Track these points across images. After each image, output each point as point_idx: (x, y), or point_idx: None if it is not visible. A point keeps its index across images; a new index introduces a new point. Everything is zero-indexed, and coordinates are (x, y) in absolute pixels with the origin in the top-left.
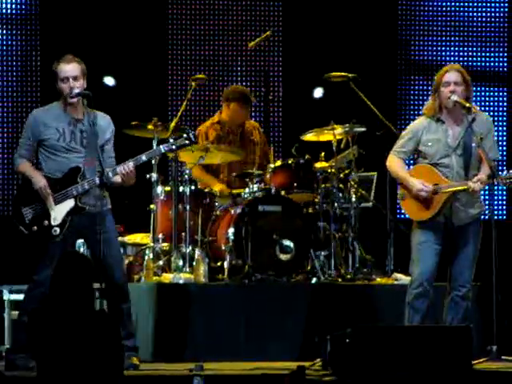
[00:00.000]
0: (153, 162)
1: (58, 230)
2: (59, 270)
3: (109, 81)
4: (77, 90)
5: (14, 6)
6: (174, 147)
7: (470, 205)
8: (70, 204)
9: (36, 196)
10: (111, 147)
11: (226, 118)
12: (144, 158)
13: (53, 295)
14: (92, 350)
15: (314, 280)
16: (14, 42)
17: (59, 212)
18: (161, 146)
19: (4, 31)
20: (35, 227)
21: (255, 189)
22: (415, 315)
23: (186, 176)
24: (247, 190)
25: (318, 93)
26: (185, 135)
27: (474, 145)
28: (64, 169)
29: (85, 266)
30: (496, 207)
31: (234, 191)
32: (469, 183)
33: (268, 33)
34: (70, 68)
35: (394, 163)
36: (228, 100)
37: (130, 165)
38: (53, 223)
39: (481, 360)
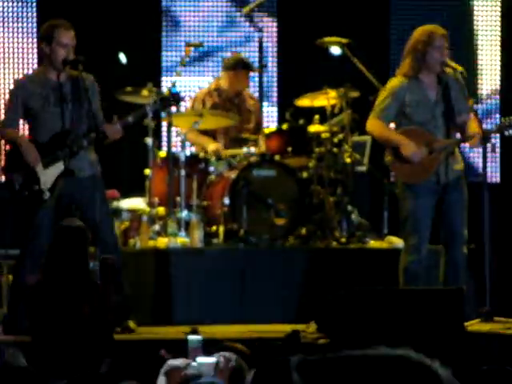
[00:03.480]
0: (148, 126)
1: (48, 193)
2: (55, 244)
3: (122, 58)
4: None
5: None
6: (159, 107)
7: (454, 161)
8: (59, 167)
9: (24, 161)
10: (98, 106)
11: (225, 85)
12: (130, 119)
13: (49, 268)
14: (84, 317)
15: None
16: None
17: (49, 176)
18: (146, 106)
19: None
20: (26, 192)
21: (250, 153)
22: (412, 281)
23: (181, 141)
24: (242, 154)
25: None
26: (171, 95)
27: (453, 103)
28: (51, 133)
29: (80, 238)
30: (489, 170)
31: (229, 153)
32: (468, 140)
33: None
34: (71, 36)
35: (379, 126)
36: (229, 68)
37: (117, 127)
38: (43, 187)
39: (473, 322)
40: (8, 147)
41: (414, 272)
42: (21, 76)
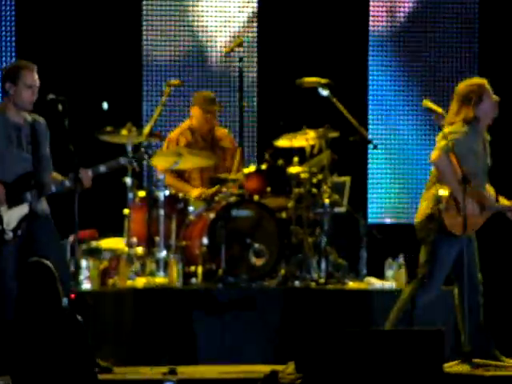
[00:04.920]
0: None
1: (11, 234)
2: (25, 282)
3: (104, 105)
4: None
5: None
6: (132, 161)
7: None
8: (24, 209)
9: None
10: (49, 151)
11: (196, 123)
12: (102, 168)
13: (21, 306)
14: (63, 355)
15: (287, 284)
16: None
17: (12, 217)
18: (120, 158)
19: None
20: None
21: (229, 193)
22: (413, 309)
23: (160, 181)
24: (220, 194)
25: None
26: (144, 152)
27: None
28: (13, 175)
29: (50, 275)
30: None
31: (210, 192)
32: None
33: (241, 38)
34: (35, 77)
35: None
36: (192, 105)
37: (89, 174)
38: (5, 227)
39: (452, 363)
40: None
41: (420, 306)
42: None
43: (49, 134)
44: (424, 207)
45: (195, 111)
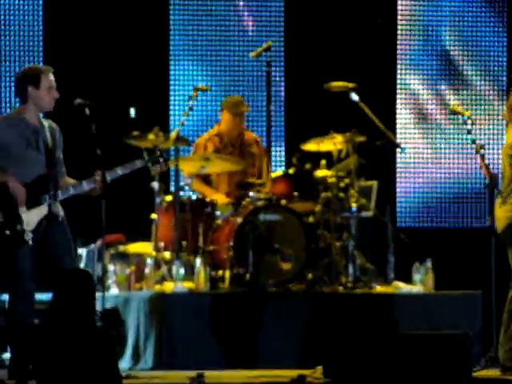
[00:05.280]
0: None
1: (30, 235)
2: (62, 288)
3: (132, 112)
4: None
5: None
6: (149, 164)
7: None
8: (42, 211)
9: (6, 200)
10: (62, 156)
11: (225, 128)
12: (120, 172)
13: (54, 312)
14: (90, 364)
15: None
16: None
17: (31, 218)
18: (136, 161)
19: None
20: (8, 231)
21: (256, 198)
22: None
23: (187, 185)
24: (248, 199)
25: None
26: (159, 154)
27: None
28: (31, 177)
29: (87, 282)
30: None
31: (235, 198)
32: None
33: (269, 43)
34: (53, 79)
35: None
36: (221, 110)
37: (106, 177)
38: (26, 228)
39: (480, 368)
40: None
41: None
42: None
43: (62, 139)
44: (504, 211)
45: (224, 116)
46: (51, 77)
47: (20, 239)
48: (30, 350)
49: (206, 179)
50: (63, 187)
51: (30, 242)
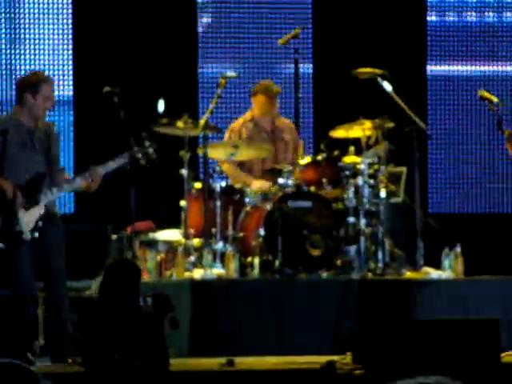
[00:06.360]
0: (183, 158)
1: (29, 234)
2: (109, 277)
3: (160, 106)
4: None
5: None
6: (138, 155)
7: None
8: (40, 210)
9: (4, 202)
10: (59, 152)
11: (257, 113)
12: (113, 165)
13: (102, 301)
14: (139, 350)
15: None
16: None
17: (30, 218)
18: (127, 153)
19: None
20: (7, 233)
21: (285, 184)
22: None
23: (217, 172)
24: (277, 185)
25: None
26: (148, 145)
27: None
28: (26, 177)
29: (133, 273)
30: None
31: (268, 187)
32: None
33: (297, 30)
34: (53, 88)
35: None
36: (254, 94)
37: (99, 171)
38: (23, 229)
39: (509, 352)
40: None
41: None
42: None
43: (59, 136)
44: None
45: (258, 99)
46: (50, 87)
47: (19, 240)
48: (78, 337)
49: (239, 164)
50: (58, 184)
51: (26, 241)
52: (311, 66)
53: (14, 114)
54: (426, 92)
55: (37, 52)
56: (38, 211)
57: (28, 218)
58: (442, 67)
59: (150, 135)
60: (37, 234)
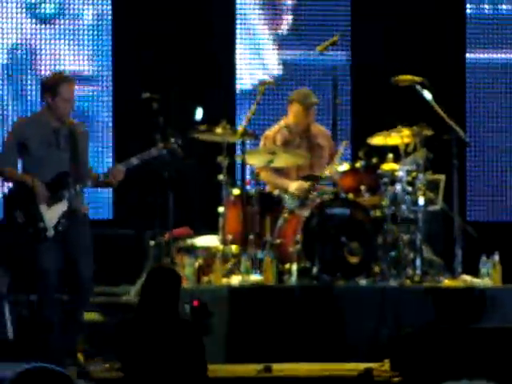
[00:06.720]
0: (222, 164)
1: (52, 231)
2: (150, 284)
3: (198, 114)
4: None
5: None
6: (163, 152)
7: None
8: (63, 207)
9: (28, 199)
10: (88, 154)
11: (293, 121)
12: (134, 161)
13: (141, 308)
14: (178, 358)
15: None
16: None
17: (52, 214)
18: (152, 149)
19: None
20: (31, 229)
21: (323, 191)
22: None
23: (255, 179)
24: (315, 192)
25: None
26: (173, 141)
27: None
28: (50, 175)
29: (174, 280)
30: None
31: (306, 186)
32: None
33: (335, 37)
34: (74, 89)
35: None
36: (290, 102)
37: (120, 168)
38: (47, 225)
39: None
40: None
41: None
42: (21, 117)
43: (88, 134)
44: None
45: (294, 107)
46: (70, 88)
47: (42, 236)
48: (117, 344)
49: (276, 171)
50: (82, 181)
51: (50, 238)
52: (349, 72)
53: (40, 114)
54: (464, 100)
55: (76, 53)
56: (61, 208)
57: (51, 215)
58: (481, 75)
59: (174, 132)
60: (60, 232)
